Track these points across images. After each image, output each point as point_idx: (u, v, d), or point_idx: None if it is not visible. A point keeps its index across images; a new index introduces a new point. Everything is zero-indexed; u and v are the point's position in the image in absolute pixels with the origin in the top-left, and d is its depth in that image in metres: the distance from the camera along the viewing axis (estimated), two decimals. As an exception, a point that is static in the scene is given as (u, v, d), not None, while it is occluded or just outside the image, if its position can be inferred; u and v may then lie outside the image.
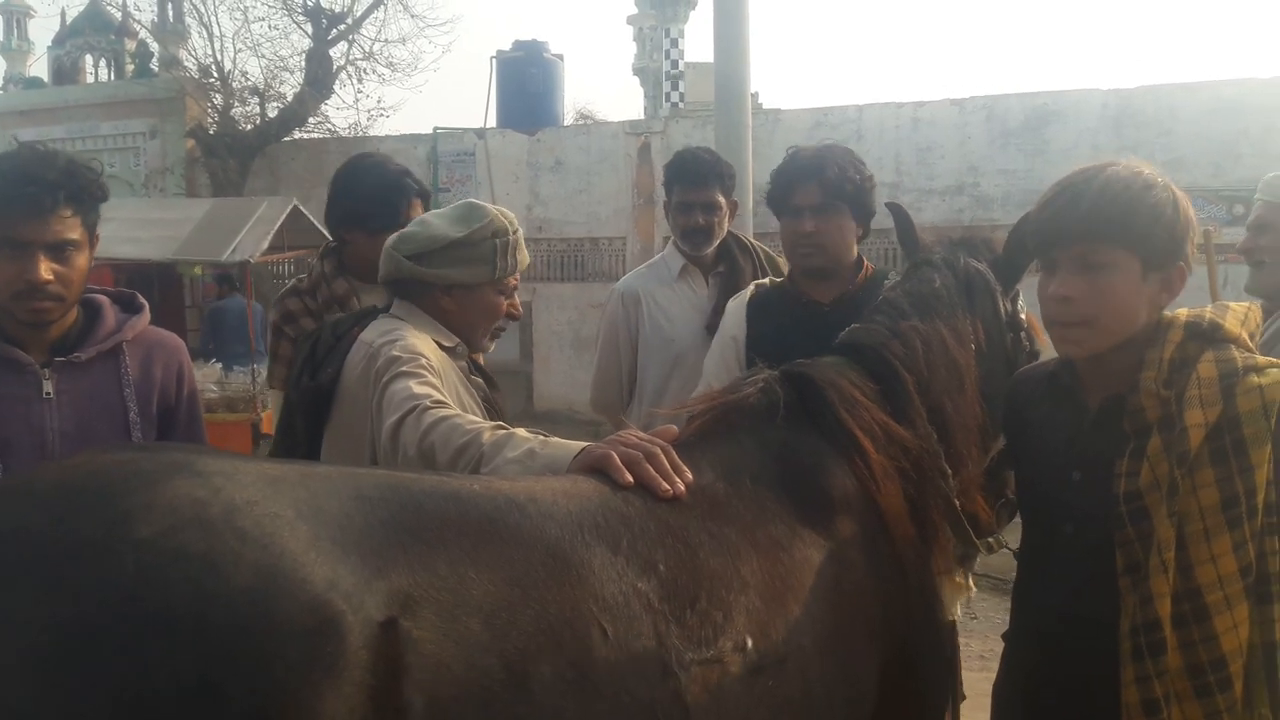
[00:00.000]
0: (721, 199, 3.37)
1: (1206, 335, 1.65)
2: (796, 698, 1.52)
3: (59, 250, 2.07)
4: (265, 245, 9.83)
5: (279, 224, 10.07)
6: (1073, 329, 1.68)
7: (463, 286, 2.26)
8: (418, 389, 1.97)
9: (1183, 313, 1.69)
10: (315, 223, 11.08)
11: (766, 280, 3.11)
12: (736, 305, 3.02)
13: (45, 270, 2.05)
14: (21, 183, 2.02)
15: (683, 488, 1.56)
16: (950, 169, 11.08)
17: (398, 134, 14.51)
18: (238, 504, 1.12)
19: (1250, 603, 1.52)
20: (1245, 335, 1.67)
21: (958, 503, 1.95)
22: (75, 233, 2.10)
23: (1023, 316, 2.29)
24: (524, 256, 2.34)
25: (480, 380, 2.40)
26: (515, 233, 2.30)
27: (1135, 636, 1.58)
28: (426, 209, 2.96)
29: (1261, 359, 1.61)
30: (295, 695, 1.03)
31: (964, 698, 2.63)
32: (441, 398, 1.98)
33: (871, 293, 2.78)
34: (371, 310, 2.38)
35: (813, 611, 1.60)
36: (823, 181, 2.75)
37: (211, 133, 14.16)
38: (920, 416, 1.93)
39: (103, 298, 2.29)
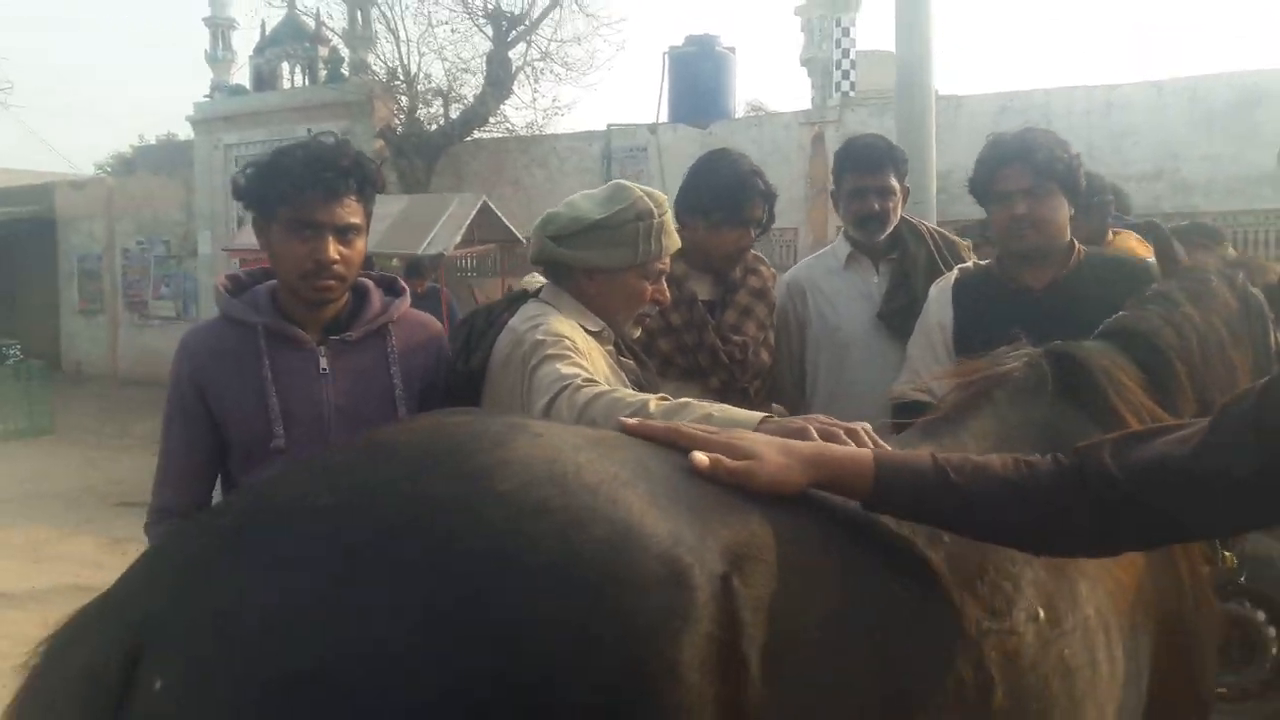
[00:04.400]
0: (895, 184, 3.31)
1: None
2: (1085, 668, 1.50)
3: (345, 233, 2.21)
4: (458, 239, 10.24)
5: (470, 219, 10.49)
6: None
7: (604, 270, 2.21)
8: (565, 370, 1.94)
9: None
10: (503, 218, 11.51)
11: (970, 264, 3.05)
12: (940, 290, 2.97)
13: (333, 251, 2.19)
14: (318, 169, 2.16)
15: None
16: (1146, 154, 10.54)
17: (573, 131, 14.68)
18: (580, 462, 1.14)
19: None
20: None
21: None
22: (358, 217, 2.24)
23: None
24: (673, 240, 2.26)
25: (631, 362, 2.34)
26: (662, 215, 2.22)
27: None
28: (770, 212, 3.02)
29: None
30: (659, 645, 1.02)
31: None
32: (591, 376, 1.96)
33: (1084, 277, 2.73)
34: (522, 294, 2.38)
35: (1093, 584, 1.58)
36: (1032, 163, 2.72)
37: (399, 133, 14.58)
38: (1190, 408, 1.86)
39: (368, 281, 2.42)
